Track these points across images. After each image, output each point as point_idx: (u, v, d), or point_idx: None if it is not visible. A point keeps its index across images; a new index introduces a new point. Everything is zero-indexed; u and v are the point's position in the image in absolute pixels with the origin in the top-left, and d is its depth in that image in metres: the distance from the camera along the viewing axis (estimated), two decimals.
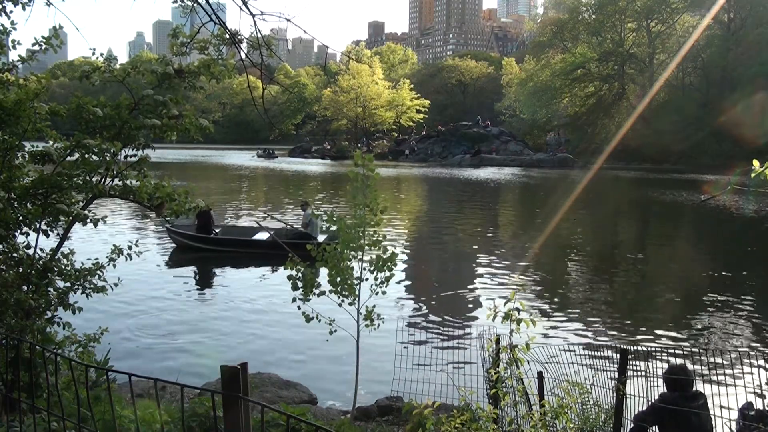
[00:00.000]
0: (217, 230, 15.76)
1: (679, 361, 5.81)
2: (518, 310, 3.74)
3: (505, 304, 3.79)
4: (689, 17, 66.42)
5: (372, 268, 6.02)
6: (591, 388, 4.94)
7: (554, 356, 5.30)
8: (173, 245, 15.58)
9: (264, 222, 18.72)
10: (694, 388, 4.63)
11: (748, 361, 6.03)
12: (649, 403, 4.66)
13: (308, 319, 5.88)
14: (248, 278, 12.88)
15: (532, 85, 74.01)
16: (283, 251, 14.02)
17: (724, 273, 13.98)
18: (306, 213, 15.41)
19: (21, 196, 4.22)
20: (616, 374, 4.73)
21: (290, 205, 24.98)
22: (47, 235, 4.41)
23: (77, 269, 4.56)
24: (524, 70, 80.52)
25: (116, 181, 4.46)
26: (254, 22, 4.35)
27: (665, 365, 5.01)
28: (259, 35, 4.56)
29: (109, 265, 4.71)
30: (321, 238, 14.99)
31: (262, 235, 15.47)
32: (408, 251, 16.43)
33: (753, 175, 2.91)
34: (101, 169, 4.36)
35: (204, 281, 13.10)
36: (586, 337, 9.23)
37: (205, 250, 14.96)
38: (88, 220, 4.28)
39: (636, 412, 4.70)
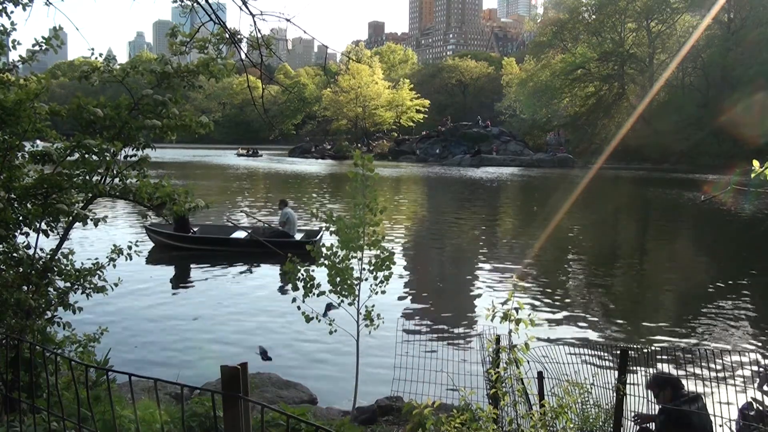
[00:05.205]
0: (195, 229, 15.73)
1: (679, 361, 5.81)
2: (516, 309, 3.74)
3: (504, 304, 3.78)
4: (689, 17, 66.44)
5: (371, 268, 6.02)
6: (591, 388, 4.94)
7: (554, 356, 5.30)
8: (152, 244, 15.40)
9: (243, 221, 18.67)
10: (684, 388, 4.67)
11: (748, 361, 6.03)
12: (649, 402, 4.67)
13: (308, 319, 5.87)
14: (239, 277, 12.83)
15: (532, 85, 74.10)
16: (262, 249, 14.00)
17: (724, 273, 13.97)
18: (283, 211, 15.36)
19: (21, 196, 4.21)
20: (616, 374, 4.73)
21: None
22: (47, 235, 4.41)
23: (77, 269, 4.56)
24: (524, 70, 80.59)
25: (116, 181, 4.46)
26: (254, 22, 4.36)
27: (665, 366, 5.02)
28: (258, 35, 4.56)
29: (109, 265, 4.72)
30: (298, 236, 15.01)
31: (240, 234, 15.48)
32: (408, 251, 16.42)
33: (753, 175, 2.91)
34: (101, 169, 4.36)
35: (195, 281, 12.99)
36: (586, 337, 9.22)
37: (183, 248, 14.87)
38: (89, 220, 4.28)
39: (637, 412, 4.71)
